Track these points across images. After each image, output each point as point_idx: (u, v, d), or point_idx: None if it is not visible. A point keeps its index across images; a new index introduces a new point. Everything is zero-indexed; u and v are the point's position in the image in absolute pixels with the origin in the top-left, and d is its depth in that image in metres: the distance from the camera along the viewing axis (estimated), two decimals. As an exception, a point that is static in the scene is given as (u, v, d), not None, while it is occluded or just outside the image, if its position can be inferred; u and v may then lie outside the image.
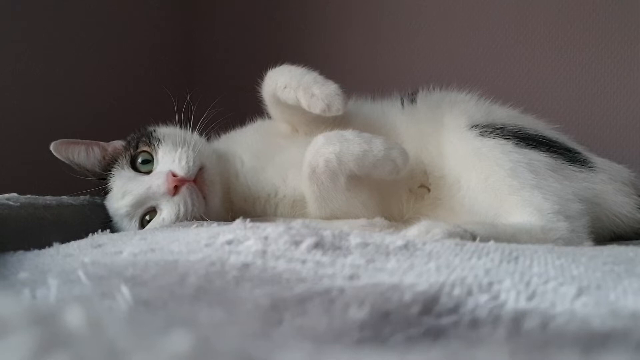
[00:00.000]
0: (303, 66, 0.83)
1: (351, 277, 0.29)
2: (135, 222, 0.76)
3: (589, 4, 1.28)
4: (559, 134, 0.83)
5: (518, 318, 0.24)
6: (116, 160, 0.81)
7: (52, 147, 0.83)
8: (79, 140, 0.86)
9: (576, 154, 0.77)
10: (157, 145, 0.78)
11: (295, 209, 0.83)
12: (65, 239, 0.72)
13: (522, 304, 0.26)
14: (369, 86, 1.02)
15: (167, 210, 0.74)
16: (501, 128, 0.77)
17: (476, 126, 0.78)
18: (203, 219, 0.74)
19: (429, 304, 0.25)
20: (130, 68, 1.49)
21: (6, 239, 0.63)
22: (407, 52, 1.47)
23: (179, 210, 0.72)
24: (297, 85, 0.76)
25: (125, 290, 0.29)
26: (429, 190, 0.84)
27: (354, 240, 0.36)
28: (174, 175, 0.73)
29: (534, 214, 0.66)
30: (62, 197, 0.82)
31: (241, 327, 0.24)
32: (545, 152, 0.74)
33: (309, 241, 0.35)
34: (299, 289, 0.27)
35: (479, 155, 0.74)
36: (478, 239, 0.58)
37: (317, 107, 0.75)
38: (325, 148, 0.72)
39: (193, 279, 0.30)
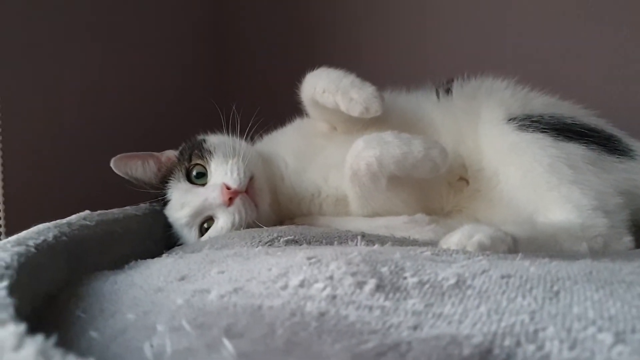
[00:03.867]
0: (339, 68, 0.86)
1: (415, 328, 0.34)
2: (194, 230, 0.84)
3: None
4: (597, 120, 0.84)
5: (562, 370, 0.29)
6: (172, 172, 0.88)
7: (112, 164, 0.90)
8: (135, 153, 0.93)
9: (615, 143, 0.78)
10: (209, 157, 0.84)
11: (339, 207, 0.88)
12: (134, 250, 0.81)
13: (565, 354, 0.30)
14: (403, 77, 1.04)
15: (223, 219, 0.80)
16: (538, 120, 0.78)
17: (514, 119, 0.80)
18: (256, 225, 0.80)
19: (485, 356, 0.30)
20: (174, 81, 1.56)
21: (88, 258, 0.71)
22: (439, 41, 1.46)
23: (234, 220, 0.79)
24: (335, 90, 0.80)
25: (227, 343, 0.35)
26: (468, 183, 0.87)
27: (411, 279, 0.41)
28: (228, 188, 0.79)
29: (572, 211, 0.69)
30: (126, 208, 0.89)
31: (331, 384, 0.30)
32: (583, 144, 0.75)
33: (371, 284, 0.40)
34: (373, 343, 0.32)
35: (516, 150, 0.77)
36: (519, 243, 0.63)
37: (355, 111, 0.78)
38: (366, 152, 0.76)
39: (280, 331, 0.35)
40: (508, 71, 0.91)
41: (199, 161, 0.85)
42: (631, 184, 0.75)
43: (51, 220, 0.73)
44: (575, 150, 0.75)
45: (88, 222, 0.76)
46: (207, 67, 1.70)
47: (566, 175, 0.72)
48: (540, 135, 0.76)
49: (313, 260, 0.47)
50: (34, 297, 0.55)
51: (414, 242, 0.73)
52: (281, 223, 0.90)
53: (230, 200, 0.79)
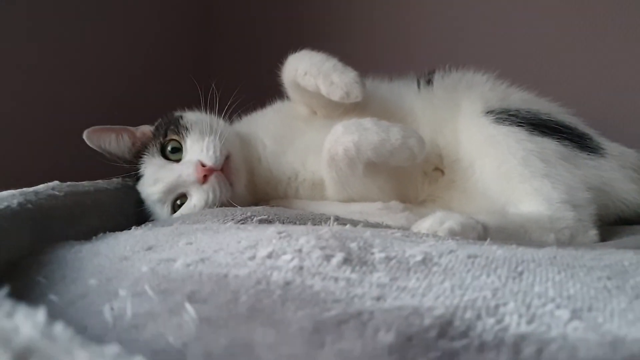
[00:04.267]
0: (322, 51, 0.86)
1: (378, 299, 0.34)
2: (167, 207, 0.82)
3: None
4: (572, 118, 0.86)
5: (518, 342, 0.29)
6: (146, 147, 0.86)
7: (85, 136, 0.88)
8: (109, 126, 0.91)
9: (587, 140, 0.80)
10: (185, 133, 0.82)
11: (315, 192, 0.88)
12: (103, 223, 0.79)
13: (523, 327, 0.31)
14: (386, 65, 1.04)
15: (196, 197, 0.79)
16: (515, 114, 0.80)
17: (491, 112, 0.81)
18: (230, 204, 0.79)
19: (445, 328, 0.31)
20: (154, 55, 1.53)
21: (56, 228, 0.70)
22: (422, 30, 1.46)
23: (207, 198, 0.78)
24: (317, 73, 0.79)
25: (189, 307, 0.34)
26: (443, 173, 0.88)
27: (378, 254, 0.41)
28: (203, 165, 0.78)
29: (542, 204, 0.71)
30: (98, 181, 0.87)
31: (290, 349, 0.30)
32: (557, 140, 0.77)
33: (338, 257, 0.40)
34: (335, 311, 0.32)
35: (492, 143, 0.78)
36: (489, 231, 0.64)
37: (336, 95, 0.78)
38: (344, 137, 0.76)
39: (245, 297, 0.35)
40: (489, 65, 0.92)
41: (174, 137, 0.83)
42: (599, 181, 0.76)
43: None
44: (549, 145, 0.76)
45: (56, 192, 0.74)
46: (189, 44, 1.67)
47: (539, 168, 0.73)
48: (516, 129, 0.78)
49: (283, 234, 0.46)
50: (-7, 261, 0.53)
51: (387, 227, 0.73)
52: (256, 204, 0.89)
53: (205, 177, 0.78)
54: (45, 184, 0.76)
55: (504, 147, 0.77)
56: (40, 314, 0.28)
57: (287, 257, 0.41)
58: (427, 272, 0.39)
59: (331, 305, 0.33)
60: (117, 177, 0.91)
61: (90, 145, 0.89)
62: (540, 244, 0.66)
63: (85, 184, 0.83)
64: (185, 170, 0.79)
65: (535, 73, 1.26)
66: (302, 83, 0.82)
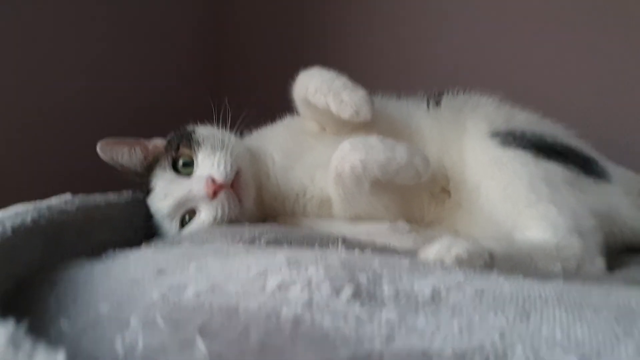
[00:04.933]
0: (332, 69, 0.87)
1: (388, 339, 0.34)
2: (176, 222, 0.83)
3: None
4: (577, 141, 0.86)
5: (526, 391, 0.30)
6: (158, 161, 0.87)
7: (98, 148, 0.89)
8: (122, 139, 0.92)
9: (593, 165, 0.80)
10: (197, 148, 0.83)
11: (322, 209, 0.88)
12: (113, 237, 0.80)
13: (531, 375, 0.31)
14: (393, 83, 1.05)
15: (205, 213, 0.80)
16: (521, 137, 0.80)
17: (497, 134, 0.81)
18: (238, 220, 0.80)
19: (453, 373, 0.31)
20: (168, 71, 1.54)
21: (67, 243, 0.70)
22: (430, 53, 1.47)
23: (216, 213, 0.79)
24: (327, 91, 0.80)
25: (200, 342, 0.35)
26: (449, 194, 0.88)
27: (387, 288, 0.42)
28: (213, 181, 0.78)
29: (548, 230, 0.71)
30: (109, 194, 0.88)
31: (301, 391, 0.30)
32: (562, 164, 0.77)
33: (348, 290, 0.41)
34: (345, 353, 0.33)
35: (499, 165, 0.78)
36: (496, 258, 0.64)
37: (346, 113, 0.79)
38: (351, 154, 0.76)
39: (255, 334, 0.36)
40: (495, 86, 0.93)
41: (186, 151, 0.84)
42: (605, 207, 0.76)
43: (31, 201, 0.72)
44: (555, 169, 0.76)
45: (69, 207, 0.75)
46: (203, 60, 1.69)
47: (544, 193, 0.73)
48: (522, 152, 0.78)
49: (292, 261, 0.47)
50: (6, 279, 0.54)
51: (394, 250, 0.74)
52: (263, 221, 0.90)
53: (215, 193, 0.78)
54: (58, 196, 0.77)
55: (510, 170, 0.77)
56: (60, 356, 0.29)
57: (297, 288, 0.41)
58: (435, 310, 0.39)
59: (340, 345, 0.34)
60: (127, 191, 0.92)
61: (103, 158, 0.90)
62: (547, 273, 0.67)
63: (97, 197, 0.84)
64: (195, 185, 0.80)
65: (540, 94, 1.27)
66: (313, 100, 0.83)
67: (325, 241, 0.71)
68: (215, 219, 0.79)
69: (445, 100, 0.93)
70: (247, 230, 0.73)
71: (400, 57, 1.50)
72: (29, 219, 0.64)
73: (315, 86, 0.83)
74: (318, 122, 0.93)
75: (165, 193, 0.83)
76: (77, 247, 0.72)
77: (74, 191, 0.81)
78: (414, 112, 0.94)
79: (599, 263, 0.70)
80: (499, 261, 0.64)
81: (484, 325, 0.37)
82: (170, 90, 1.53)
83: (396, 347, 0.33)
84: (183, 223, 0.83)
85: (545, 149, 0.77)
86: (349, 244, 0.72)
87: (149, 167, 0.88)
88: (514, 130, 0.80)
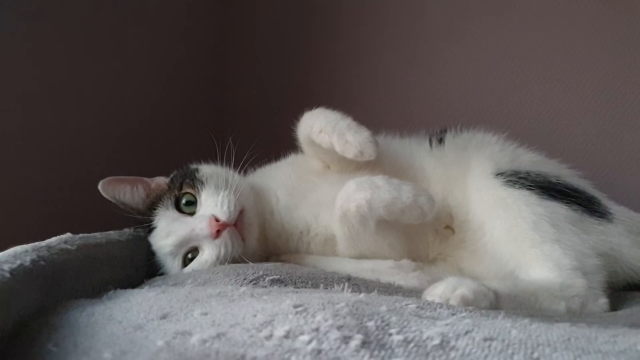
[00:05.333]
0: (336, 110, 0.88)
1: (399, 392, 0.34)
2: (178, 260, 0.82)
3: (612, 37, 1.29)
4: (580, 181, 0.87)
5: None
6: (160, 199, 0.87)
7: (100, 187, 0.89)
8: (125, 177, 0.92)
9: (596, 205, 0.80)
10: (200, 187, 0.84)
11: (327, 247, 0.88)
12: (114, 275, 0.79)
13: None
14: (397, 122, 1.06)
15: (208, 252, 0.79)
16: (525, 177, 0.81)
17: (502, 174, 0.82)
18: (241, 259, 0.80)
19: None
20: (172, 109, 1.56)
21: (67, 284, 0.69)
22: (431, 88, 1.50)
23: (219, 253, 0.78)
24: (331, 131, 0.81)
25: (208, 396, 0.34)
26: (453, 232, 0.88)
27: (396, 336, 0.41)
28: (217, 220, 0.78)
29: (553, 270, 0.70)
30: (110, 232, 0.88)
31: None
32: (566, 204, 0.77)
33: (356, 339, 0.40)
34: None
35: (503, 205, 0.78)
36: (500, 299, 0.63)
37: (350, 153, 0.80)
38: (357, 194, 0.77)
39: (264, 385, 0.35)
40: (499, 124, 0.94)
41: (189, 190, 0.84)
42: (608, 247, 0.77)
43: (30, 241, 0.71)
44: (559, 209, 0.77)
45: (69, 246, 0.74)
46: (206, 98, 1.71)
47: (549, 233, 0.74)
48: (527, 192, 0.78)
49: (300, 309, 0.46)
50: (4, 323, 0.53)
51: (399, 289, 0.73)
52: (267, 259, 0.89)
53: (218, 232, 0.78)
54: (58, 237, 0.77)
55: (514, 211, 0.77)
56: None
57: (305, 338, 0.41)
58: (445, 358, 0.38)
59: (351, 398, 0.33)
60: (129, 228, 0.92)
61: (105, 196, 0.90)
62: (552, 313, 0.67)
63: (97, 236, 0.83)
64: (198, 224, 0.80)
65: (543, 133, 1.29)
66: (317, 140, 0.84)
67: (330, 280, 0.71)
68: (218, 257, 0.79)
69: (449, 138, 0.94)
70: (251, 270, 0.72)
71: (405, 96, 1.52)
72: (28, 260, 0.63)
73: (319, 126, 0.84)
74: (322, 161, 0.94)
75: (168, 231, 0.82)
76: (77, 287, 0.71)
77: (74, 231, 0.80)
78: (417, 150, 0.96)
79: (602, 302, 0.70)
80: (503, 301, 0.64)
81: (496, 376, 0.36)
82: (173, 128, 1.54)
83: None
84: (186, 262, 0.83)
85: (549, 189, 0.78)
86: (354, 283, 0.72)
87: (151, 206, 0.88)
88: (518, 170, 0.81)
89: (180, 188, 0.85)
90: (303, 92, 1.57)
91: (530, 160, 0.87)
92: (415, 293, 0.68)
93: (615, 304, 0.71)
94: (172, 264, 0.82)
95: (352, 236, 0.81)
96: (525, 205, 0.76)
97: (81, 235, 0.81)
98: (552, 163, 0.89)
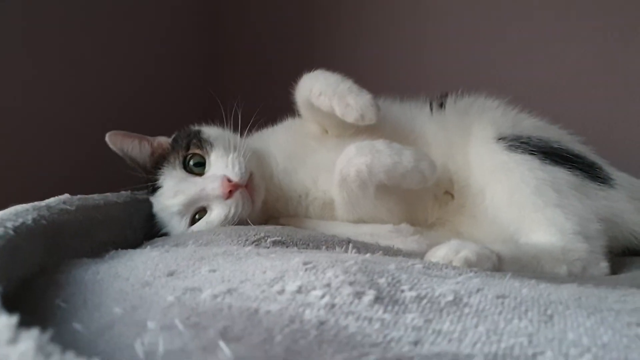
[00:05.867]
0: (336, 72, 0.86)
1: (415, 344, 0.34)
2: (186, 220, 0.82)
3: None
4: (582, 147, 0.87)
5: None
6: (165, 159, 0.85)
7: (107, 138, 0.87)
8: (130, 133, 0.90)
9: (597, 170, 0.81)
10: (209, 149, 0.83)
11: (325, 211, 0.88)
12: (112, 238, 0.79)
13: (564, 380, 0.31)
14: (397, 85, 1.04)
15: (217, 212, 0.79)
16: (527, 142, 0.80)
17: (503, 138, 0.81)
18: (246, 221, 0.79)
19: (486, 378, 0.31)
20: (169, 73, 1.53)
21: (67, 244, 0.69)
22: (431, 54, 1.48)
23: (229, 212, 0.78)
24: (332, 94, 0.80)
25: (224, 346, 0.34)
26: (453, 197, 0.88)
27: (408, 293, 0.41)
28: (229, 181, 0.77)
29: (555, 234, 0.71)
30: (107, 195, 0.87)
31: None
32: (568, 169, 0.77)
33: (369, 295, 0.40)
34: (374, 356, 0.32)
35: (505, 170, 0.78)
36: (503, 261, 0.64)
37: (351, 117, 0.78)
38: (357, 159, 0.76)
39: (280, 337, 0.35)
40: (501, 90, 0.93)
41: (197, 151, 0.83)
42: (609, 212, 0.77)
43: (27, 201, 0.70)
44: (561, 174, 0.77)
45: (68, 207, 0.73)
46: (204, 61, 1.67)
47: (551, 198, 0.74)
48: (529, 157, 0.78)
49: (309, 265, 0.46)
50: (9, 280, 0.52)
51: (398, 252, 0.73)
52: (265, 222, 0.89)
53: (230, 193, 0.77)
54: (57, 197, 0.76)
55: (516, 175, 0.77)
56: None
57: (318, 293, 0.41)
58: (459, 314, 0.39)
59: (369, 349, 0.33)
60: (125, 190, 0.91)
61: (112, 148, 0.88)
62: (554, 275, 0.68)
63: (96, 197, 0.83)
64: (209, 184, 0.79)
65: (546, 94, 1.28)
66: (317, 103, 0.83)
67: (331, 243, 0.71)
68: (226, 217, 0.79)
69: (450, 103, 0.93)
70: (252, 231, 0.72)
71: (405, 58, 1.50)
72: (30, 219, 0.63)
73: (319, 89, 0.82)
74: (320, 125, 0.93)
75: (176, 191, 0.81)
76: (78, 248, 0.71)
77: (71, 192, 0.79)
78: (417, 115, 0.94)
79: (604, 267, 0.71)
80: (506, 263, 0.65)
81: (510, 330, 0.36)
82: (170, 91, 1.51)
83: (425, 351, 0.33)
84: (193, 221, 0.82)
85: (551, 154, 0.78)
86: (355, 246, 0.72)
87: (156, 165, 0.86)
88: (520, 135, 0.81)
89: (188, 148, 0.84)
90: (302, 53, 1.54)
91: (532, 125, 0.86)
92: (415, 256, 0.68)
93: (616, 268, 0.72)
94: (178, 224, 0.81)
95: (351, 201, 0.80)
96: (527, 170, 0.76)
97: (79, 196, 0.80)
98: (554, 128, 0.89)
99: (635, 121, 1.27)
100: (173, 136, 0.91)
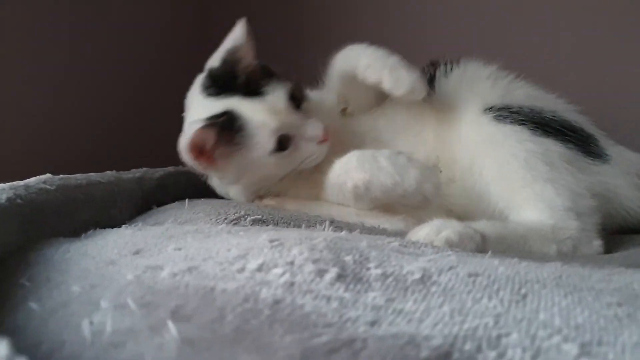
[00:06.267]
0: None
1: (372, 324, 0.32)
2: (274, 140, 0.77)
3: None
4: (578, 117, 0.83)
5: (521, 381, 0.27)
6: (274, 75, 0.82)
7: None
8: None
9: (592, 144, 0.77)
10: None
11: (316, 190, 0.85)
12: (95, 217, 0.78)
13: (526, 363, 0.29)
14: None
15: (304, 150, 0.79)
16: (517, 111, 0.77)
17: (490, 109, 0.78)
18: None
19: (442, 360, 0.29)
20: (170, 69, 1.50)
21: (47, 224, 0.68)
22: (437, 25, 1.43)
23: (312, 155, 0.79)
24: (382, 66, 0.77)
25: (172, 326, 0.32)
26: (440, 172, 0.85)
27: (374, 270, 0.39)
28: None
29: (545, 211, 0.68)
30: (91, 174, 0.85)
31: (276, 379, 0.28)
32: (561, 142, 0.74)
33: (332, 272, 0.38)
34: (326, 337, 0.30)
35: (493, 143, 0.75)
36: (488, 241, 0.62)
37: (400, 90, 0.75)
38: (356, 173, 0.72)
39: (231, 316, 0.33)
40: (495, 52, 0.89)
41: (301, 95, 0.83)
42: (604, 187, 0.74)
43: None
44: (553, 146, 0.74)
45: (48, 186, 0.72)
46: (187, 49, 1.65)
47: (542, 172, 0.71)
48: (519, 128, 0.75)
49: (275, 243, 0.44)
50: (-20, 261, 0.51)
51: (383, 231, 0.71)
52: (252, 201, 0.87)
53: (324, 141, 0.79)
54: (37, 177, 0.74)
55: (504, 148, 0.74)
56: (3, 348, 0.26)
57: (278, 270, 0.39)
58: (425, 293, 0.37)
59: (322, 330, 0.31)
60: (111, 171, 0.90)
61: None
62: (542, 255, 0.65)
63: (78, 177, 0.81)
64: (313, 123, 0.78)
65: (544, 64, 1.23)
66: (363, 75, 0.79)
67: (312, 222, 0.69)
68: (309, 157, 0.79)
69: (439, 76, 0.89)
70: (233, 209, 0.71)
71: (406, 34, 1.46)
72: (4, 198, 0.61)
73: (368, 61, 0.79)
74: (345, 98, 0.90)
75: (277, 111, 0.77)
76: (57, 228, 0.69)
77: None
78: None
79: (597, 245, 0.68)
80: (491, 243, 0.62)
81: (476, 310, 0.34)
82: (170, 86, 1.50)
83: (381, 332, 0.31)
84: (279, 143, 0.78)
85: (543, 124, 0.74)
86: (337, 225, 0.70)
87: (263, 74, 0.82)
88: (510, 105, 0.77)
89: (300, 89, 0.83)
90: (298, 48, 1.50)
91: (524, 94, 0.82)
92: (400, 234, 0.65)
93: (611, 247, 0.70)
94: (267, 140, 0.77)
95: (341, 202, 0.78)
96: (516, 142, 0.73)
97: (61, 176, 0.78)
98: (549, 98, 0.84)
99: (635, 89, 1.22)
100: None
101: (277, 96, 0.77)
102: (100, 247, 0.53)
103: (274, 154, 0.76)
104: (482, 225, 0.64)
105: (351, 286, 0.37)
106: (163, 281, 0.39)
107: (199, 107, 0.79)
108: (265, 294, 0.36)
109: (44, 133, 1.18)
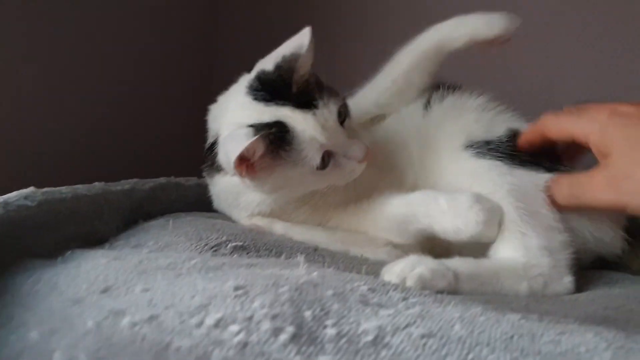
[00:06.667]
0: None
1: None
2: (319, 155, 0.75)
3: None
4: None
5: None
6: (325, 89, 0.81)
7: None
8: None
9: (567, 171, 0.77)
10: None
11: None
12: (79, 232, 0.78)
13: None
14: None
15: (347, 167, 0.78)
16: (496, 147, 0.77)
17: (471, 146, 0.78)
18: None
19: None
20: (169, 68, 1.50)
21: (25, 242, 0.68)
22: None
23: (351, 173, 0.78)
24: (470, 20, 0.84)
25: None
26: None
27: (330, 330, 0.40)
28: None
29: (519, 249, 0.69)
30: (77, 187, 0.85)
31: None
32: (535, 170, 0.75)
33: (288, 331, 0.39)
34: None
35: (474, 177, 0.76)
36: (460, 278, 0.62)
37: (495, 28, 0.81)
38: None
39: (179, 382, 0.34)
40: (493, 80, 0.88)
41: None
42: (578, 217, 0.74)
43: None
44: (528, 177, 0.74)
45: (29, 202, 0.72)
46: (194, 58, 1.64)
47: (519, 207, 0.71)
48: (498, 163, 0.75)
49: (240, 292, 0.45)
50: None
51: (365, 261, 0.72)
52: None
53: (364, 161, 0.78)
54: (19, 191, 0.74)
55: (487, 182, 0.74)
56: None
57: (235, 328, 0.39)
58: (374, 357, 0.37)
59: (265, 402, 0.32)
60: (99, 183, 0.90)
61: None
62: (514, 293, 0.66)
63: (63, 190, 0.81)
64: (357, 144, 0.77)
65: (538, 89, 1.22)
66: (458, 42, 0.83)
67: (294, 251, 0.70)
68: (350, 174, 0.78)
69: (435, 97, 0.88)
70: (215, 234, 0.71)
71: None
72: (-23, 218, 0.62)
73: (454, 22, 0.84)
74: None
75: (327, 127, 0.75)
76: (37, 244, 0.69)
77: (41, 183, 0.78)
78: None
79: (567, 281, 0.68)
80: (463, 281, 0.63)
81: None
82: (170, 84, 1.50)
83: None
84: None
85: (518, 156, 0.75)
86: (320, 254, 0.71)
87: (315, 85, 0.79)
88: (490, 140, 0.77)
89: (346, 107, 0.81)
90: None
91: (507, 128, 0.82)
92: (380, 266, 0.66)
93: (581, 284, 0.70)
94: (315, 155, 0.74)
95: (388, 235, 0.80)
96: (497, 176, 0.73)
97: (45, 189, 0.78)
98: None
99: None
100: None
101: (328, 111, 0.75)
102: (71, 279, 0.53)
103: (317, 170, 0.75)
104: (456, 263, 0.64)
105: (303, 348, 0.38)
106: (122, 332, 0.40)
107: (245, 110, 0.75)
108: (216, 356, 0.36)
109: (35, 137, 1.19)
